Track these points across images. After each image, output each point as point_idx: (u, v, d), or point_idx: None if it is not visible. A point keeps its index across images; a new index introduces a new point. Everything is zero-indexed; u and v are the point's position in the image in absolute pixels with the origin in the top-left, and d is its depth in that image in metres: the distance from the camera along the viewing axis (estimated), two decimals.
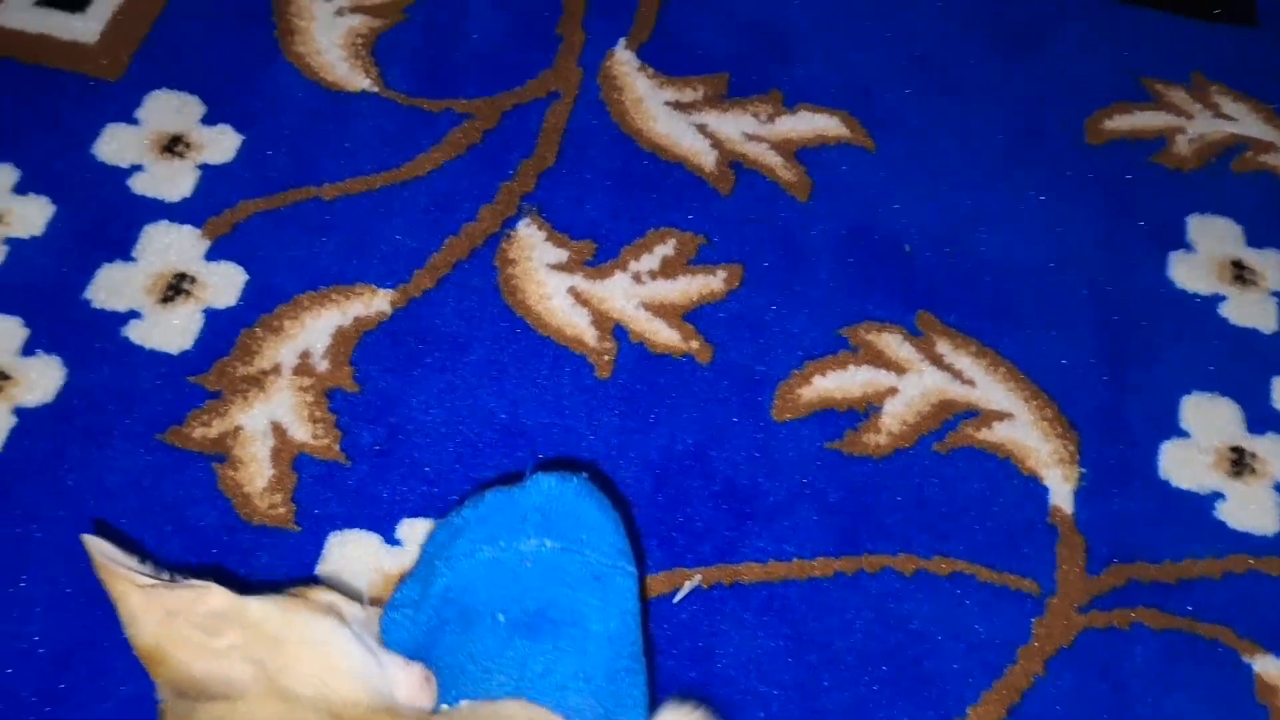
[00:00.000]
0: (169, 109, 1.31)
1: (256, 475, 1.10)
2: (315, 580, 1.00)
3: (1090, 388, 1.23)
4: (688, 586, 1.08)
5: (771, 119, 1.38)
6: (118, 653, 1.01)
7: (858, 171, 1.36)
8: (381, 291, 1.21)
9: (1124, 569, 1.13)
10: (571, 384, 1.18)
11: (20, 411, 1.11)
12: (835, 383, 1.21)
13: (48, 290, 1.18)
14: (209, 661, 0.74)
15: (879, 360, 1.22)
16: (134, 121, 1.30)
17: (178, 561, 1.05)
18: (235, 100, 1.33)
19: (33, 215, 1.23)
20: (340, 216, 1.26)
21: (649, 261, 1.26)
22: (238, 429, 1.12)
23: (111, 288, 1.19)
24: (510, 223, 1.27)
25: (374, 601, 0.91)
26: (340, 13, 1.42)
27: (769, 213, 1.31)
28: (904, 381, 1.21)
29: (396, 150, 1.31)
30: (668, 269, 1.26)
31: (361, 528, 1.08)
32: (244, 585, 0.81)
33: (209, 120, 1.31)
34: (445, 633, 0.81)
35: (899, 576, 1.11)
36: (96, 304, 1.18)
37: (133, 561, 0.76)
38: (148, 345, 1.16)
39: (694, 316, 1.23)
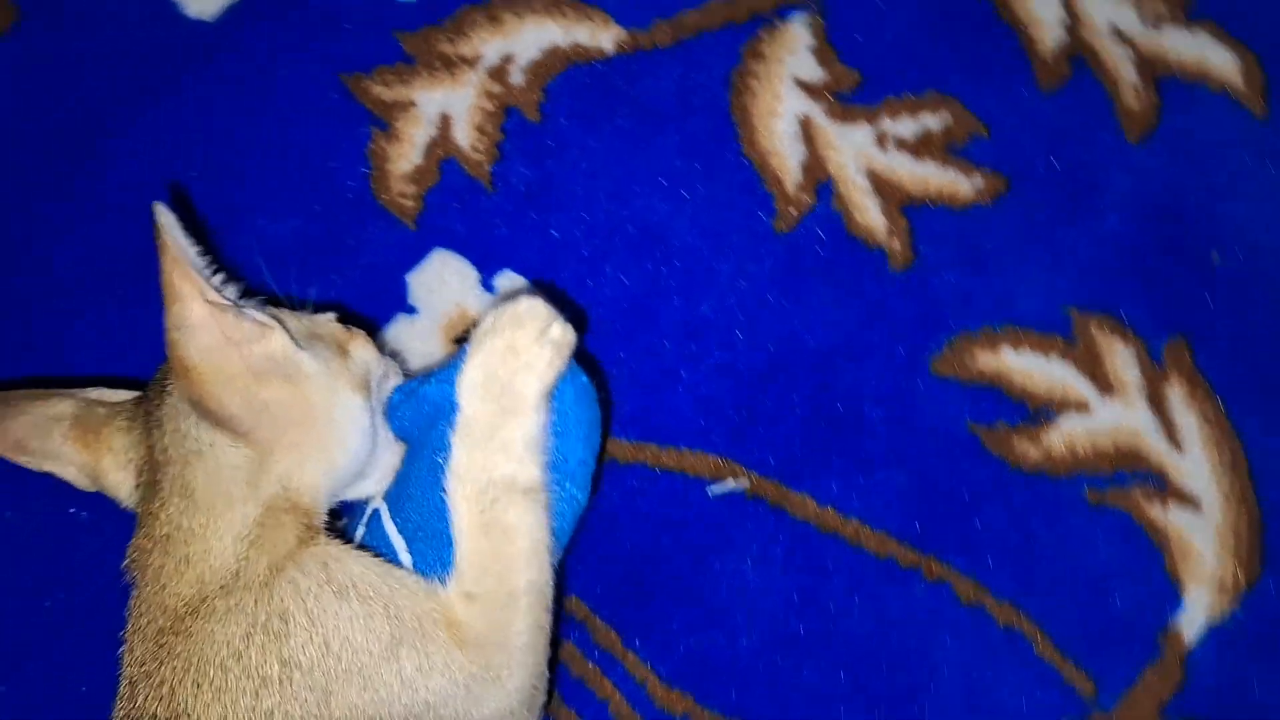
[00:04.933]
0: None
1: (404, 157, 1.06)
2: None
3: None
4: (731, 484, 0.99)
5: (1158, 24, 1.08)
6: None
7: (1219, 120, 1.06)
8: (615, 27, 1.09)
9: None
10: (743, 221, 1.04)
11: None
12: (1023, 364, 1.01)
13: None
14: (246, 408, 0.68)
15: (1089, 365, 1.01)
16: None
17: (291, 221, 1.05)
18: None
19: None
20: None
21: (907, 127, 1.06)
22: (411, 104, 1.07)
23: None
24: (785, 11, 1.09)
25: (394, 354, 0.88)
26: None
27: (1079, 133, 1.06)
28: (1102, 403, 1.00)
29: None
30: (922, 146, 1.05)
31: (468, 258, 1.04)
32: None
33: None
34: (411, 438, 0.80)
35: (953, 599, 0.97)
36: None
37: (194, 254, 0.68)
38: None
39: (915, 212, 1.04)
